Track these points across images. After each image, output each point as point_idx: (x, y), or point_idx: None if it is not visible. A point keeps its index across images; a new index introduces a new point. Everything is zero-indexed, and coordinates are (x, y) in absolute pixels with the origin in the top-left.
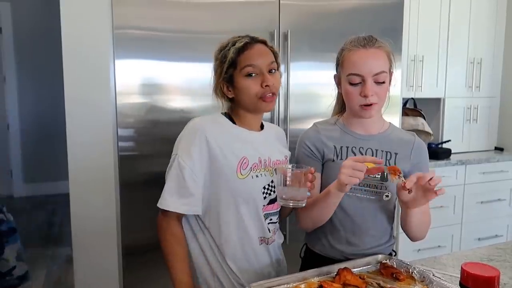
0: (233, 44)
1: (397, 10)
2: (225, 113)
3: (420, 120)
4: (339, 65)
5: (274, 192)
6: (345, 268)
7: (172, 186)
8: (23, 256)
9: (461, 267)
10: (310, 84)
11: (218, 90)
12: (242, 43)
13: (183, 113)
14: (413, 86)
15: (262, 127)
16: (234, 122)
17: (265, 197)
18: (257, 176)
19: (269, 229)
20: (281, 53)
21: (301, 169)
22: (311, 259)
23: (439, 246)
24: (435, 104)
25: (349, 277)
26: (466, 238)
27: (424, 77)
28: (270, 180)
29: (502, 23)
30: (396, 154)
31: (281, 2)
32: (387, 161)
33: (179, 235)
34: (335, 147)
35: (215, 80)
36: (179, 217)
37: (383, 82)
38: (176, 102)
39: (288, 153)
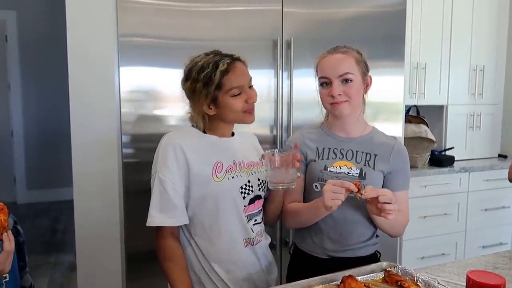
0: (215, 65)
1: (399, 17)
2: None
3: (423, 127)
4: (315, 73)
5: (252, 191)
6: (349, 275)
7: (156, 202)
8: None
9: (467, 275)
10: (313, 91)
11: (199, 110)
12: (225, 65)
13: (187, 120)
14: (415, 93)
15: (232, 135)
16: (204, 132)
17: (244, 197)
18: (233, 177)
19: (252, 230)
20: (285, 61)
21: (287, 152)
22: (297, 257)
23: (443, 254)
24: (438, 111)
25: (353, 284)
26: (470, 245)
27: (426, 84)
28: (247, 180)
29: (505, 30)
30: (375, 155)
31: (284, 10)
32: (367, 161)
33: (174, 248)
34: (317, 148)
35: (196, 100)
36: (173, 231)
37: (351, 81)
38: (181, 110)
39: None
